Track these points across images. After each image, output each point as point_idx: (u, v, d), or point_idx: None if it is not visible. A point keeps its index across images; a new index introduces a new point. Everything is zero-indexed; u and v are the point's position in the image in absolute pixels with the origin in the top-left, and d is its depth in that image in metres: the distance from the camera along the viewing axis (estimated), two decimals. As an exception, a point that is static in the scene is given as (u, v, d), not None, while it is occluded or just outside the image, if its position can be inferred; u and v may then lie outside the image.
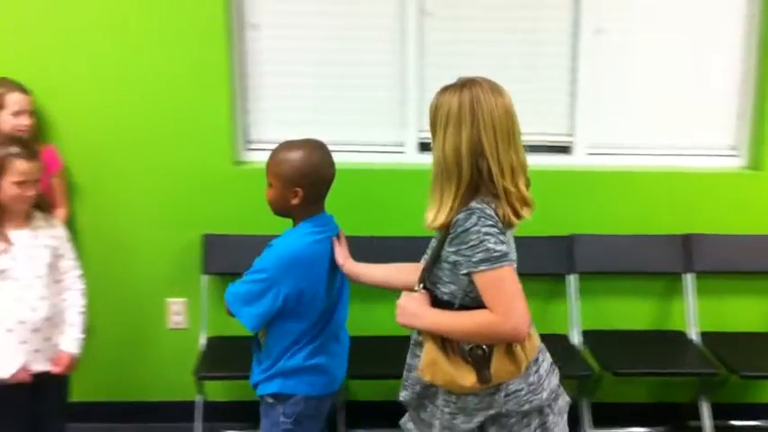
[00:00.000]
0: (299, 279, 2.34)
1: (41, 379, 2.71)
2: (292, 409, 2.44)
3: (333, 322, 2.48)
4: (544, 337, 3.41)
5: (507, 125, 2.03)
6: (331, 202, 2.65)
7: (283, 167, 2.34)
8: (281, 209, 2.40)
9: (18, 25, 3.22)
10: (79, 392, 3.35)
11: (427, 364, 2.08)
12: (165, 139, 3.33)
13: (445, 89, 2.09)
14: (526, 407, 2.11)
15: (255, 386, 2.49)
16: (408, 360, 2.22)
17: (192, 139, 3.33)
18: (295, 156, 2.35)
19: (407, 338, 2.24)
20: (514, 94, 3.49)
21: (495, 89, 2.06)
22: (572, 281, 3.45)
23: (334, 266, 2.43)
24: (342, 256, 2.43)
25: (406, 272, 2.33)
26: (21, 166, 2.60)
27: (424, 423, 2.20)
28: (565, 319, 3.45)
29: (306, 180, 2.34)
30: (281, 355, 2.41)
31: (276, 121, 3.51)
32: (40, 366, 2.71)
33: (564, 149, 3.58)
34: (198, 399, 3.32)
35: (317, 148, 2.40)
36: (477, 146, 1.99)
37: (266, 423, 2.50)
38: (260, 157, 3.43)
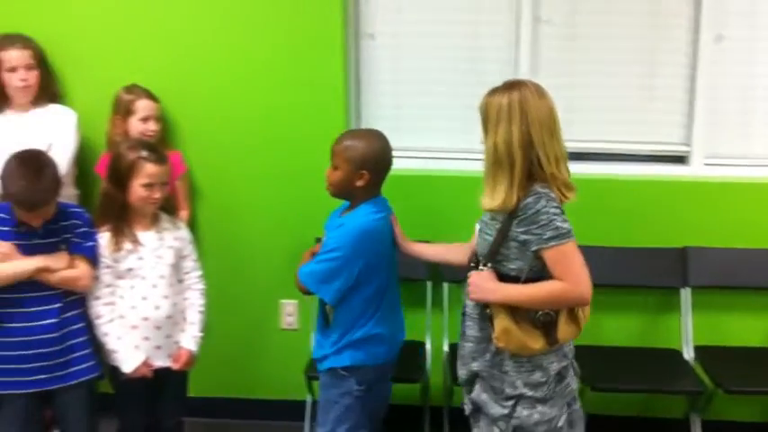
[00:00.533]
0: (368, 253, 2.57)
1: (161, 374, 2.86)
2: (364, 377, 2.67)
3: (390, 294, 2.68)
4: (655, 351, 3.37)
5: (549, 122, 2.33)
6: (446, 210, 2.69)
7: (353, 152, 2.58)
8: (343, 190, 2.64)
9: (150, 36, 3.40)
10: (196, 388, 3.50)
11: (501, 332, 2.33)
12: (281, 146, 3.43)
13: (494, 91, 2.38)
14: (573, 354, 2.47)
15: (321, 360, 2.68)
16: (474, 333, 2.44)
17: (306, 145, 3.41)
18: (364, 143, 2.61)
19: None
20: (630, 101, 3.46)
21: (539, 91, 2.36)
22: (685, 294, 3.37)
23: (392, 243, 2.70)
24: (401, 236, 2.72)
25: (454, 250, 2.70)
26: (150, 169, 2.74)
27: (496, 389, 2.41)
28: (677, 333, 3.38)
29: (372, 165, 2.59)
30: (349, 328, 2.61)
31: (389, 128, 3.50)
32: (161, 362, 2.85)
33: (680, 159, 3.50)
34: (308, 398, 3.41)
35: (381, 138, 2.67)
36: (526, 139, 2.29)
37: (334, 393, 2.68)
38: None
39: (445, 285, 3.43)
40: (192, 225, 3.44)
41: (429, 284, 3.44)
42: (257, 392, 3.67)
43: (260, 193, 3.48)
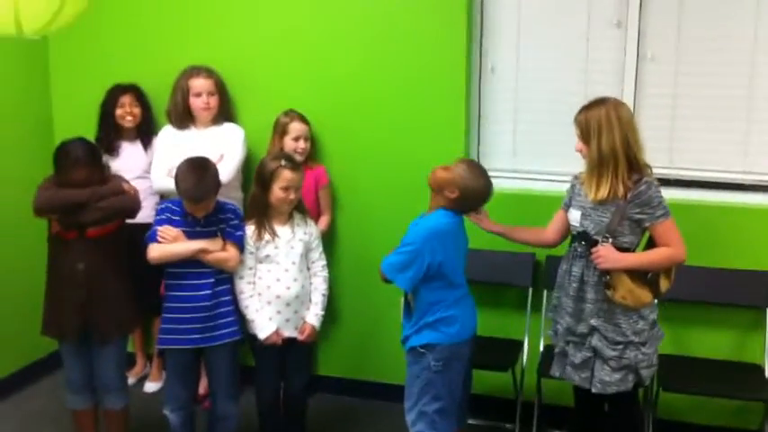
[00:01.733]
0: (438, 249, 3.07)
1: (289, 343, 3.49)
2: (440, 355, 3.14)
3: (461, 287, 3.18)
4: (737, 364, 3.61)
5: (635, 124, 3.02)
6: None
7: (464, 178, 3.14)
8: (436, 187, 3.17)
9: (304, 73, 4.09)
10: (327, 368, 4.14)
11: (627, 292, 3.00)
12: (408, 165, 3.96)
13: (588, 107, 3.04)
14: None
15: (404, 341, 3.20)
16: (591, 295, 3.06)
17: (430, 164, 3.87)
18: (475, 181, 3.15)
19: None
20: (730, 134, 3.66)
21: (621, 103, 3.07)
22: (771, 314, 3.58)
23: (463, 243, 3.23)
24: (487, 220, 3.38)
25: (531, 232, 3.41)
26: (287, 175, 3.39)
27: (609, 339, 3.03)
28: (761, 349, 3.60)
29: (465, 195, 3.14)
30: (426, 312, 3.11)
31: (506, 152, 4.04)
32: (289, 333, 3.48)
33: (771, 188, 3.72)
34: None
35: (488, 190, 3.20)
36: (625, 141, 2.95)
37: (416, 369, 3.19)
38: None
39: (545, 292, 3.81)
40: (332, 228, 4.09)
41: (531, 290, 3.85)
42: (380, 376, 4.20)
43: (387, 205, 4.04)
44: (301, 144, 3.95)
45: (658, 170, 3.73)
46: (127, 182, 3.56)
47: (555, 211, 3.44)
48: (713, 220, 3.68)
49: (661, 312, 3.60)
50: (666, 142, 3.84)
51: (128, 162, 4.16)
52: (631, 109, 3.69)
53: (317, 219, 3.89)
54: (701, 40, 3.72)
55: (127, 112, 4.19)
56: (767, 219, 3.63)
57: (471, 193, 3.15)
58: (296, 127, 3.95)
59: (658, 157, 3.78)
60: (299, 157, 3.78)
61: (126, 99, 4.19)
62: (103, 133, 4.19)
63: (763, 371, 3.54)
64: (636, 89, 3.81)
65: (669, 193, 3.67)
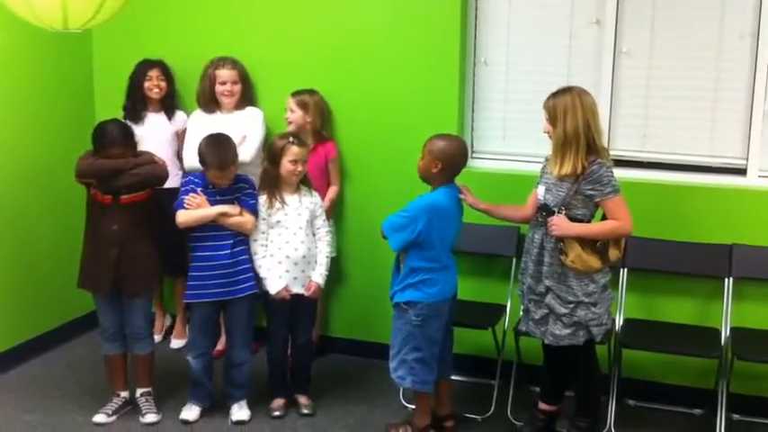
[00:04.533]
0: (430, 221, 3.53)
1: (297, 299, 3.96)
2: (420, 311, 3.60)
3: (447, 258, 3.63)
4: (697, 328, 3.99)
5: (595, 111, 3.43)
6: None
7: (433, 147, 3.55)
8: (424, 174, 3.64)
9: (318, 63, 4.58)
10: (335, 330, 4.60)
11: (575, 257, 3.42)
12: (409, 146, 4.20)
13: (556, 93, 3.47)
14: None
15: (392, 297, 3.65)
16: (547, 259, 3.50)
17: None
18: (444, 142, 3.61)
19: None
20: (697, 122, 4.12)
21: (585, 90, 3.47)
22: (728, 283, 3.96)
23: (457, 219, 3.64)
24: (474, 199, 3.71)
25: (512, 209, 3.79)
26: (294, 149, 3.87)
27: (562, 298, 3.46)
28: (719, 314, 3.98)
29: (445, 158, 3.55)
30: (411, 274, 3.56)
31: (498, 137, 4.48)
32: (297, 290, 3.95)
33: (739, 171, 4.12)
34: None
35: (460, 142, 3.64)
36: (586, 124, 3.36)
37: (399, 323, 3.65)
38: (481, 165, 4.44)
39: (527, 261, 4.22)
40: (341, 198, 4.56)
41: (514, 260, 4.27)
42: (382, 337, 4.41)
43: (390, 180, 4.47)
44: (288, 114, 4.40)
45: (632, 153, 4.24)
46: (156, 155, 4.04)
47: (536, 189, 3.84)
48: (681, 199, 4.09)
49: (631, 281, 4.09)
50: (640, 129, 4.25)
51: (152, 130, 4.59)
52: (608, 98, 4.20)
53: (326, 189, 4.38)
54: (671, 38, 4.14)
55: (154, 85, 4.65)
56: (729, 198, 4.03)
57: (450, 156, 3.59)
58: (288, 101, 4.42)
59: (632, 142, 4.25)
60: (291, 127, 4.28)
61: (154, 73, 4.66)
62: (130, 103, 4.66)
63: (719, 333, 3.92)
64: (613, 81, 4.23)
65: (641, 174, 4.18)
